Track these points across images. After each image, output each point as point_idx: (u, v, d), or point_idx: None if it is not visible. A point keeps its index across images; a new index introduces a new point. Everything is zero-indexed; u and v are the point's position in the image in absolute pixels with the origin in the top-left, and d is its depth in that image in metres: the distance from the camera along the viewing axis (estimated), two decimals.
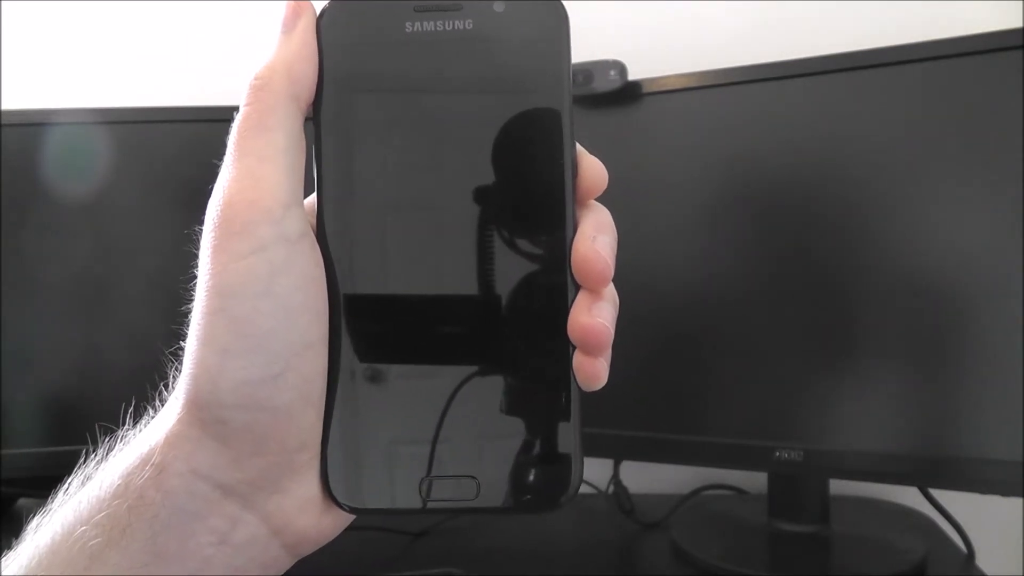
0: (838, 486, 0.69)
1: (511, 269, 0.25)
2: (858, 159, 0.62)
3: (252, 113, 0.25)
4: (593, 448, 0.71)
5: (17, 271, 0.70)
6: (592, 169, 0.26)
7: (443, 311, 0.26)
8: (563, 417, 0.25)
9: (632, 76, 0.68)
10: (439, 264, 0.26)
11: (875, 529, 0.70)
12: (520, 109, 0.25)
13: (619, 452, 0.74)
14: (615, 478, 0.78)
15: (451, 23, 0.25)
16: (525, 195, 0.25)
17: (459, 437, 0.25)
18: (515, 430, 0.25)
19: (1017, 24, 0.57)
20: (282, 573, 0.26)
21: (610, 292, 0.25)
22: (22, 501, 0.80)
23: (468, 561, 0.65)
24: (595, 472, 0.82)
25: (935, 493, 0.69)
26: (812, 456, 0.62)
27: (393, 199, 0.26)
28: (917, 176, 0.61)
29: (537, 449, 0.25)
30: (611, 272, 0.24)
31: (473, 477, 0.25)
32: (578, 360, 0.25)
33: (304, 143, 0.25)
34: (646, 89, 0.69)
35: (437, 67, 0.26)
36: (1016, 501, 0.69)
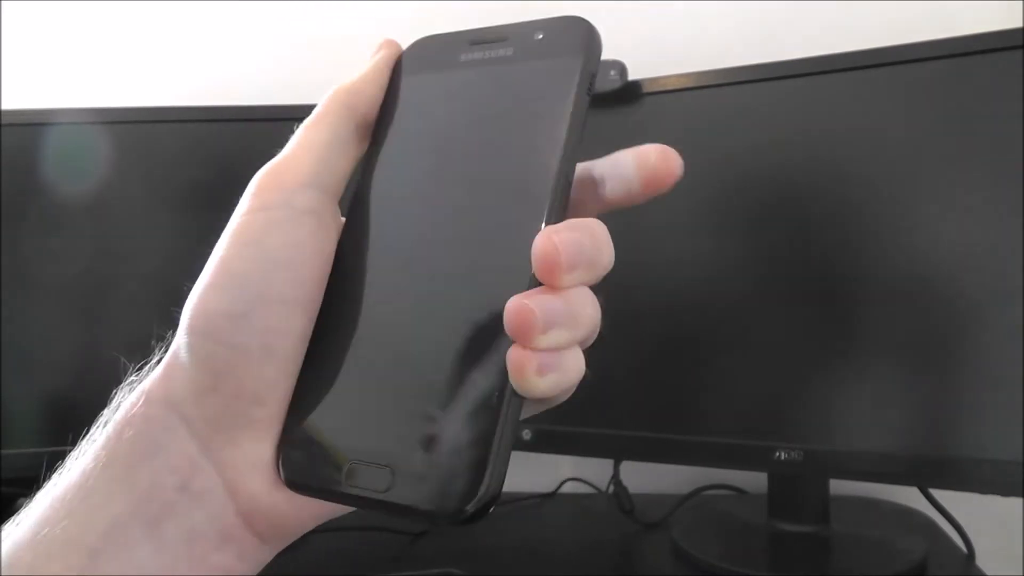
0: (838, 486, 0.69)
1: (478, 277, 0.25)
2: (858, 159, 0.62)
3: (315, 112, 0.29)
4: (593, 448, 0.71)
5: (17, 271, 0.70)
6: (657, 159, 0.26)
7: (410, 310, 0.26)
8: (488, 417, 0.23)
9: (632, 76, 0.69)
10: (417, 274, 0.26)
11: (875, 529, 0.70)
12: (527, 124, 0.26)
13: (619, 452, 0.74)
14: (615, 478, 0.78)
15: (495, 51, 0.28)
16: (512, 198, 0.25)
17: (391, 426, 0.25)
18: (440, 425, 0.24)
19: (1017, 24, 0.57)
20: (240, 555, 0.26)
21: (576, 298, 0.24)
22: (22, 501, 0.80)
23: (468, 561, 0.65)
24: (595, 472, 0.82)
25: (935, 493, 0.69)
26: (812, 456, 0.62)
27: (399, 214, 0.27)
28: (917, 176, 0.61)
29: (453, 449, 0.23)
30: (561, 264, 0.23)
31: (389, 467, 0.24)
32: (510, 351, 0.23)
33: (352, 148, 0.29)
34: (646, 89, 0.69)
35: (473, 93, 0.28)
36: (1016, 501, 0.69)
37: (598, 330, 0.25)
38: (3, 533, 0.25)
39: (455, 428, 0.24)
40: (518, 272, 0.24)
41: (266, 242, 0.26)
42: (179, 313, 0.26)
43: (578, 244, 0.24)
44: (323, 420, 0.26)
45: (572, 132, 0.25)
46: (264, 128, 0.72)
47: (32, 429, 0.71)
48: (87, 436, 0.27)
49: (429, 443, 0.24)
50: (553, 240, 0.23)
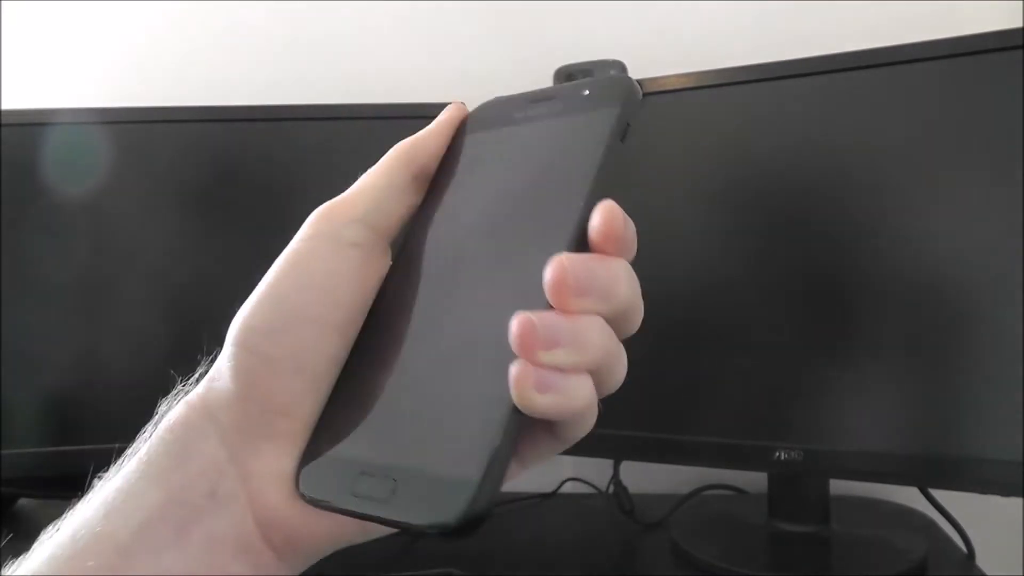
0: (838, 486, 0.69)
1: (496, 308, 0.25)
2: (857, 158, 0.62)
3: (380, 159, 0.31)
4: (593, 448, 0.71)
5: (17, 271, 0.70)
6: (614, 228, 0.26)
7: (447, 341, 0.27)
8: (487, 433, 0.23)
9: (632, 76, 0.68)
10: (460, 308, 0.27)
11: (875, 529, 0.70)
12: (562, 172, 0.27)
13: (619, 452, 0.74)
14: (615, 478, 0.78)
15: (546, 108, 0.29)
16: (542, 239, 0.26)
17: (401, 440, 0.25)
18: (441, 439, 0.24)
19: (1017, 24, 0.57)
20: (256, 567, 0.26)
21: (586, 324, 0.24)
22: (22, 501, 0.80)
23: (468, 561, 0.65)
24: (595, 472, 0.82)
25: (935, 493, 0.69)
26: (812, 456, 0.62)
27: (446, 253, 0.29)
28: (917, 175, 0.61)
29: (449, 462, 0.24)
30: (568, 286, 0.23)
31: (392, 479, 0.24)
32: (512, 365, 0.23)
33: (409, 196, 0.31)
34: (646, 89, 0.69)
35: (520, 148, 0.29)
36: (1016, 501, 0.69)
37: (615, 365, 0.25)
38: (46, 535, 0.26)
39: (454, 442, 0.24)
40: (536, 300, 0.24)
41: (308, 267, 0.28)
42: (226, 329, 0.28)
43: (590, 271, 0.24)
44: (342, 438, 0.26)
45: (600, 173, 0.26)
46: (264, 128, 0.72)
47: (32, 429, 0.71)
48: (132, 446, 0.28)
49: (428, 455, 0.24)
50: (564, 263, 0.24)
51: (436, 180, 0.31)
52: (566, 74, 0.69)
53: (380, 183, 0.30)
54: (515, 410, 0.23)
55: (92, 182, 0.71)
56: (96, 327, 0.72)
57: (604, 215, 0.25)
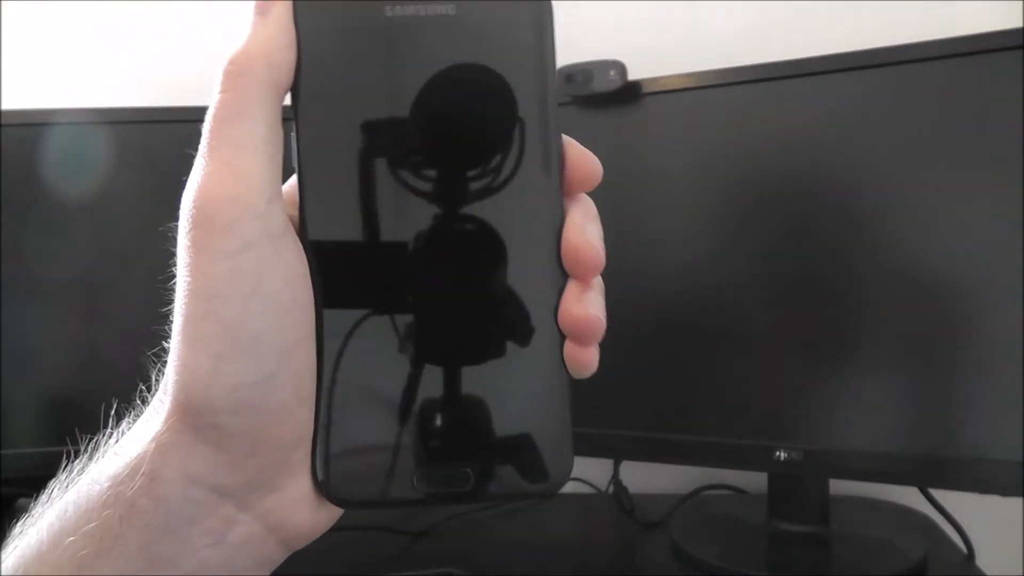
0: (838, 486, 0.69)
1: (500, 260, 0.25)
2: (858, 158, 0.62)
3: (229, 101, 0.23)
4: (593, 448, 0.71)
5: (17, 271, 0.70)
6: (583, 161, 0.25)
7: (432, 303, 0.25)
8: (553, 405, 0.25)
9: (632, 76, 0.69)
10: (428, 257, 0.25)
11: (875, 529, 0.70)
12: (504, 98, 0.25)
13: (619, 452, 0.74)
14: (615, 478, 0.78)
15: (432, 8, 0.25)
16: (511, 187, 0.25)
17: (451, 427, 0.25)
18: (506, 419, 0.25)
19: (1017, 24, 0.57)
20: (272, 566, 0.26)
21: (597, 281, 0.25)
22: (22, 501, 0.80)
23: (468, 561, 0.65)
24: (595, 472, 0.82)
25: (935, 493, 0.69)
26: (812, 456, 0.62)
27: (377, 189, 0.25)
28: (917, 175, 0.61)
29: (529, 438, 0.25)
30: (602, 261, 0.25)
31: (466, 467, 0.25)
32: (569, 349, 0.25)
33: (282, 132, 0.24)
34: (646, 89, 0.69)
35: (418, 53, 0.25)
36: (1016, 501, 0.69)
37: None
38: None
39: (525, 420, 0.25)
40: (545, 261, 0.25)
41: (265, 289, 0.23)
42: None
43: (600, 235, 0.25)
44: (370, 434, 0.25)
45: (555, 113, 0.25)
46: None
47: (32, 429, 0.71)
48: (44, 501, 0.25)
49: (501, 437, 0.25)
50: (593, 243, 0.24)
51: (306, 103, 0.25)
52: (565, 75, 0.69)
53: (262, 134, 0.23)
54: (570, 379, 0.25)
55: (92, 182, 0.71)
56: (96, 327, 0.72)
57: (588, 163, 0.25)
